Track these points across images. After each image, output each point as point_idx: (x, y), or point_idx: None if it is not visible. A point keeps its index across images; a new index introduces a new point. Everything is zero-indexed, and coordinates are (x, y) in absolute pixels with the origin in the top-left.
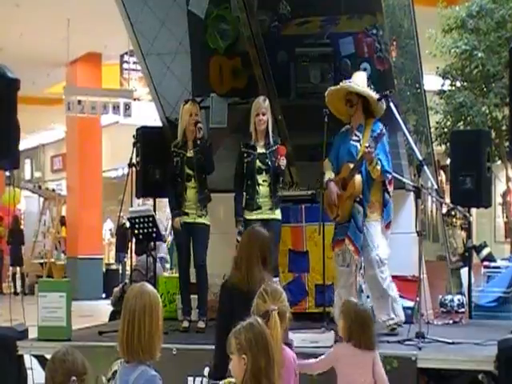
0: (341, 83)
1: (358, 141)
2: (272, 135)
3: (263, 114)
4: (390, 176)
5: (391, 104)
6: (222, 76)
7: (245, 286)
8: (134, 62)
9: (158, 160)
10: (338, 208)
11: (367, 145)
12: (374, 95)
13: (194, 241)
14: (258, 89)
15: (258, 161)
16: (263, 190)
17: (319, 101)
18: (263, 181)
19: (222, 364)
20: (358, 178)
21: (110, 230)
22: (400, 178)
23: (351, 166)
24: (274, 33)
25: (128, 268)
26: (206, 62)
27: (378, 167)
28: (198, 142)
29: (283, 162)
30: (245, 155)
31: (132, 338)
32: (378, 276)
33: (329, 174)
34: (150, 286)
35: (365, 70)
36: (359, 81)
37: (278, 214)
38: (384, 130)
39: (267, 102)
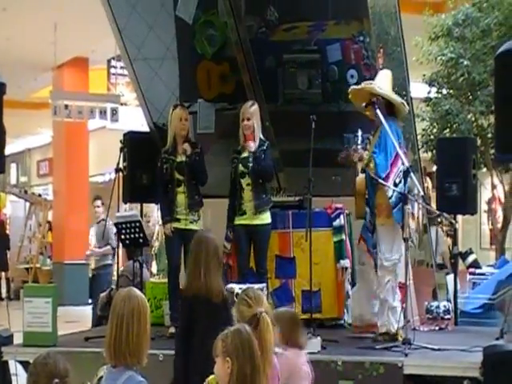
0: (363, 83)
1: (369, 139)
2: (260, 138)
3: (248, 119)
4: (382, 176)
5: (377, 111)
6: (210, 81)
7: (205, 296)
8: (122, 67)
9: (145, 165)
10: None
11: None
12: (397, 98)
13: (185, 247)
14: (246, 94)
15: (240, 165)
16: (247, 194)
17: (307, 107)
18: (247, 185)
19: (183, 377)
20: (361, 177)
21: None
22: (385, 184)
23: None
24: (261, 38)
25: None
26: (193, 67)
27: (371, 164)
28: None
29: (250, 145)
30: (234, 160)
31: (120, 342)
32: (380, 280)
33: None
34: (137, 291)
35: (352, 76)
36: (383, 81)
37: (264, 219)
38: (398, 132)
39: (255, 106)
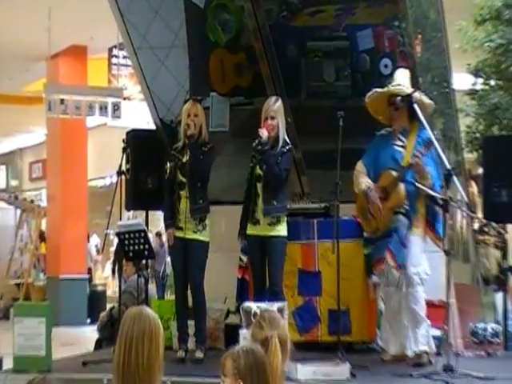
0: (389, 86)
1: (403, 146)
2: (284, 139)
3: (272, 118)
4: (439, 189)
5: (415, 105)
6: (224, 73)
7: None
8: (124, 57)
9: (151, 167)
10: (378, 221)
11: (416, 153)
12: (426, 99)
13: (188, 260)
14: (265, 87)
15: (257, 167)
16: (261, 200)
17: (334, 101)
18: (262, 189)
19: None
20: (402, 187)
21: (96, 245)
22: (425, 189)
23: (394, 174)
24: (282, 24)
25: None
26: (205, 57)
27: (429, 181)
28: (187, 140)
29: (263, 132)
30: (252, 160)
31: (128, 366)
32: (412, 296)
33: (364, 181)
34: (149, 309)
35: (385, 66)
36: (402, 80)
37: (280, 230)
38: (433, 138)
39: (279, 102)
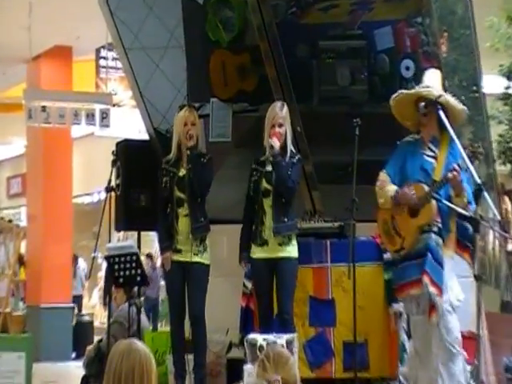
0: (416, 88)
1: (434, 157)
2: (292, 150)
3: (280, 126)
4: (472, 209)
5: (440, 112)
6: (226, 76)
7: None
8: (114, 59)
9: (144, 182)
10: (404, 239)
11: (455, 166)
12: (459, 105)
13: (188, 285)
14: (272, 92)
15: (264, 180)
16: (270, 218)
17: (349, 107)
18: (270, 206)
19: None
20: (434, 202)
21: (83, 270)
22: (452, 206)
23: (426, 188)
24: (290, 21)
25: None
26: (205, 58)
27: (465, 199)
28: (189, 152)
29: (275, 142)
30: (253, 173)
31: None
32: (444, 325)
33: (392, 188)
34: (140, 343)
35: (407, 68)
36: (433, 82)
37: (291, 251)
38: (461, 149)
39: (285, 108)
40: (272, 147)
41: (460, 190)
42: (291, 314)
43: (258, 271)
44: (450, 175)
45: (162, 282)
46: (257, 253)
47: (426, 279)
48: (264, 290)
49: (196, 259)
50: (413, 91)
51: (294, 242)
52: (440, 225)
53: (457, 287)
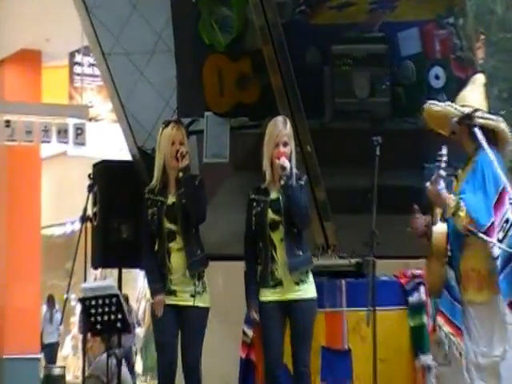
0: (447, 104)
1: (456, 176)
2: (296, 172)
3: (285, 145)
4: (485, 227)
5: (476, 129)
6: (223, 86)
7: None
8: (91, 65)
9: (126, 211)
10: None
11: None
12: (500, 124)
13: (183, 332)
14: (276, 105)
15: (270, 210)
16: (281, 254)
17: (368, 124)
18: (281, 239)
19: None
20: (439, 228)
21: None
22: (488, 239)
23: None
24: (299, 22)
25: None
26: (198, 65)
27: (461, 213)
28: (181, 174)
29: (285, 162)
30: (254, 205)
31: None
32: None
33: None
34: None
35: (437, 77)
36: (476, 95)
37: (309, 290)
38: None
39: (289, 124)
40: (283, 168)
41: (440, 203)
42: (309, 367)
43: (268, 316)
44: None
45: (137, 330)
46: (269, 296)
47: (440, 319)
48: (274, 338)
49: (194, 302)
50: (440, 107)
51: (311, 279)
52: (449, 253)
53: (488, 340)
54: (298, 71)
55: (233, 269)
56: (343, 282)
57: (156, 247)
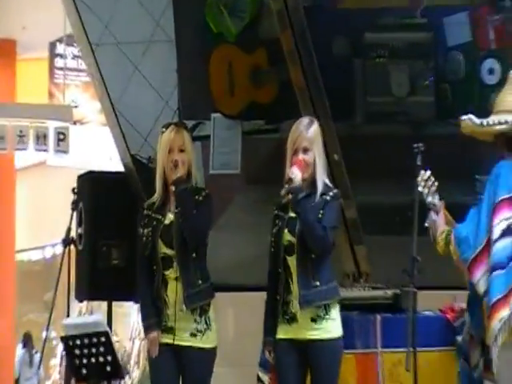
0: (479, 121)
1: None
2: (327, 184)
3: (305, 151)
4: (467, 262)
5: None
6: (234, 82)
7: None
8: (75, 57)
9: (118, 232)
10: None
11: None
12: None
13: (184, 379)
14: (297, 105)
15: (286, 231)
16: (297, 283)
17: (407, 127)
18: (295, 266)
19: None
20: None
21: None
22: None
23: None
24: (325, 5)
25: None
26: (204, 57)
27: (451, 247)
28: (175, 187)
29: (293, 172)
30: (276, 222)
31: None
32: None
33: None
34: None
35: (490, 71)
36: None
37: (331, 329)
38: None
39: (314, 127)
40: (290, 180)
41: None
42: None
43: (282, 357)
44: None
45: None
46: (282, 333)
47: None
48: (291, 380)
49: (194, 342)
50: (473, 126)
51: (335, 315)
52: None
53: None
54: (323, 65)
55: (245, 300)
56: (378, 317)
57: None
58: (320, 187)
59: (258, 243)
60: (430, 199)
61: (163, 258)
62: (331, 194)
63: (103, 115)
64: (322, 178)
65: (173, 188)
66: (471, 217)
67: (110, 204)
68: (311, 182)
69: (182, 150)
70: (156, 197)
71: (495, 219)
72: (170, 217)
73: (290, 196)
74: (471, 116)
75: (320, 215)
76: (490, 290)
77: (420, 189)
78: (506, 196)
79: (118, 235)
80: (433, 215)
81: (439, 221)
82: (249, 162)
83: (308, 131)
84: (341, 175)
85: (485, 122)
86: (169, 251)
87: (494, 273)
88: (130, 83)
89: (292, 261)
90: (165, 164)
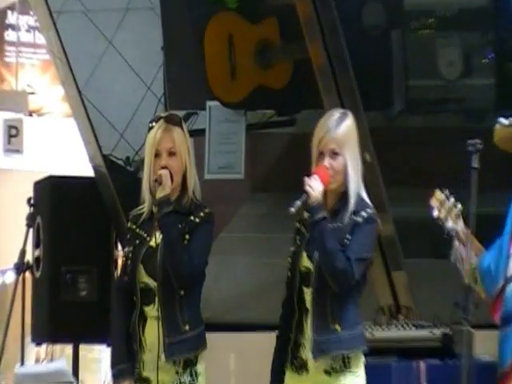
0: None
1: None
2: (361, 198)
3: (333, 155)
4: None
5: None
6: (235, 61)
7: None
8: (31, 28)
9: (86, 255)
10: None
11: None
12: None
13: None
14: (319, 91)
15: (304, 254)
16: (311, 324)
17: (459, 119)
18: (311, 300)
19: None
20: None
21: None
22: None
23: None
24: None
25: None
26: (197, 29)
27: (478, 287)
28: (159, 208)
29: (312, 185)
30: (296, 238)
31: None
32: None
33: None
34: None
35: None
36: None
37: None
38: None
39: (347, 123)
40: (307, 195)
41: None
42: None
43: None
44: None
45: None
46: (290, 382)
47: None
48: None
49: None
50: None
51: (357, 368)
52: None
53: None
54: (351, 39)
55: (250, 343)
56: (422, 364)
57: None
58: (352, 203)
59: (266, 269)
60: (450, 225)
61: (143, 290)
62: (365, 214)
63: (67, 104)
64: (356, 191)
65: (154, 210)
66: (498, 241)
67: (76, 218)
68: (341, 194)
69: (172, 153)
70: (142, 207)
71: None
72: (157, 237)
73: (306, 215)
74: (500, 118)
75: (346, 240)
76: (500, 351)
77: (435, 213)
78: None
79: (87, 259)
80: (458, 246)
81: (466, 253)
82: (255, 164)
83: (338, 129)
84: (374, 181)
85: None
86: (151, 281)
87: (506, 328)
88: (102, 63)
89: (308, 293)
90: (151, 171)
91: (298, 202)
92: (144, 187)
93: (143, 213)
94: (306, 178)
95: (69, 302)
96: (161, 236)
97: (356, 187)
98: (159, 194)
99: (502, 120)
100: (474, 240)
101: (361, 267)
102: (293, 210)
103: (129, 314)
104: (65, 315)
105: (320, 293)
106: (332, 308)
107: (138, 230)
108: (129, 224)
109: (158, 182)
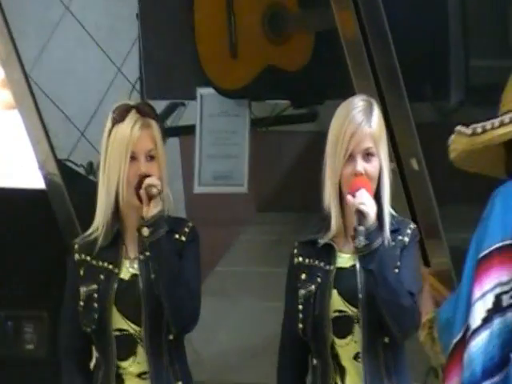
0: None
1: None
2: (395, 216)
3: (366, 157)
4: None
5: None
6: (236, 35)
7: None
8: None
9: (34, 294)
10: None
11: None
12: None
13: None
14: (349, 76)
15: (336, 292)
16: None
17: None
18: (352, 357)
19: None
20: None
21: None
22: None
23: None
24: None
25: None
26: None
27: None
28: (146, 232)
29: (367, 201)
30: (302, 276)
31: None
32: None
33: None
34: None
35: None
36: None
37: None
38: None
39: (378, 112)
40: (361, 215)
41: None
42: None
43: None
44: None
45: None
46: None
47: None
48: None
49: None
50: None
51: None
52: None
53: None
54: (392, 7)
55: None
56: None
57: (92, 366)
58: (388, 219)
59: (274, 314)
60: None
61: (119, 339)
62: (408, 229)
63: (10, 91)
64: (386, 202)
65: (146, 232)
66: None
67: (20, 244)
68: (379, 213)
69: (151, 157)
70: (99, 230)
71: (477, 288)
72: (129, 268)
73: (360, 243)
74: (459, 127)
75: (396, 269)
76: None
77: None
78: (498, 245)
79: (36, 301)
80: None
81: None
82: (262, 173)
83: (371, 121)
84: (423, 195)
85: (479, 127)
86: (130, 327)
87: None
88: (56, 36)
89: (347, 348)
90: (122, 178)
91: (362, 228)
92: (105, 202)
93: (96, 239)
94: (349, 197)
95: (11, 358)
96: (134, 265)
97: (389, 199)
98: (151, 212)
99: (462, 129)
100: (436, 283)
101: (420, 302)
102: (362, 240)
103: (87, 379)
104: (5, 376)
105: (372, 343)
106: (385, 363)
107: (95, 262)
108: (76, 256)
109: (150, 195)
